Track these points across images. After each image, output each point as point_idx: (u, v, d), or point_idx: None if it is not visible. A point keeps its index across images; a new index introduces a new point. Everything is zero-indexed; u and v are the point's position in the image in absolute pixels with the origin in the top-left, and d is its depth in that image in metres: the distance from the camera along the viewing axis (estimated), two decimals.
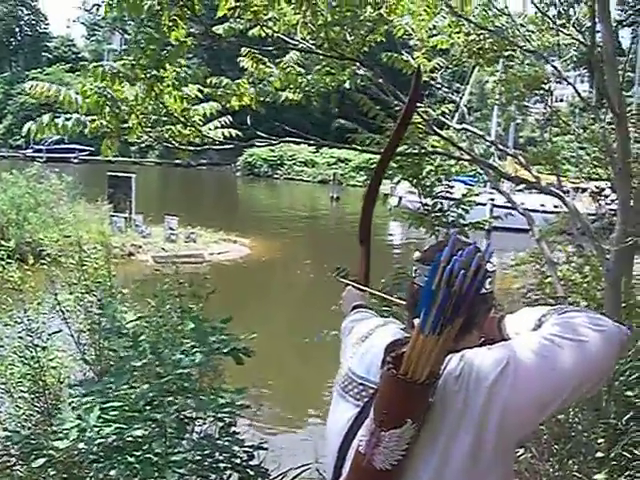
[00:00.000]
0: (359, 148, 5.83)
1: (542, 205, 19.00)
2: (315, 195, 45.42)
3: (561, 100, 21.11)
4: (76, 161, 52.30)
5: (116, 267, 13.80)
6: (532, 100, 7.92)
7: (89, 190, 21.48)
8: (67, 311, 5.78)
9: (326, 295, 5.66)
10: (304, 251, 21.65)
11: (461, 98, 7.27)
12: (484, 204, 19.87)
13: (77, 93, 4.92)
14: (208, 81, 5.35)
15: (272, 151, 52.31)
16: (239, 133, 5.38)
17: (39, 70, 65.59)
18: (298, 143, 6.36)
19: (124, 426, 3.21)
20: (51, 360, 5.35)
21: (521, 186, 13.83)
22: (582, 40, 5.36)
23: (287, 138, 6.16)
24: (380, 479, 1.54)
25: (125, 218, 20.70)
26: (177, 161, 45.76)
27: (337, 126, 6.00)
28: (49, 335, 5.27)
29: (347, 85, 5.42)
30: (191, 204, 30.83)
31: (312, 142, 5.73)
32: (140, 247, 19.70)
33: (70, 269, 6.08)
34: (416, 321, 1.60)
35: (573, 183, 8.00)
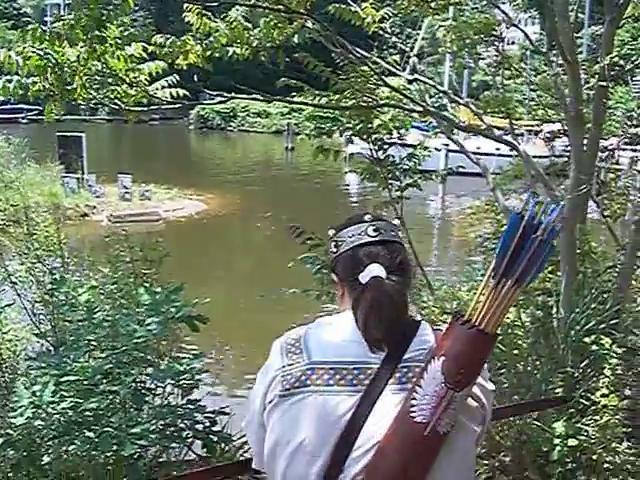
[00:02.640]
0: (309, 103, 5.74)
1: (497, 149, 19.07)
2: (270, 146, 45.11)
3: (512, 43, 21.05)
4: (24, 121, 50.90)
5: (70, 229, 13.61)
6: (483, 45, 7.88)
7: (39, 151, 21.03)
8: (20, 282, 5.66)
9: (283, 249, 5.64)
10: (260, 204, 21.49)
11: (413, 46, 7.16)
12: (439, 150, 19.89)
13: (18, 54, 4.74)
14: (153, 40, 5.18)
15: (224, 103, 51.69)
16: (187, 93, 5.24)
17: None
18: (248, 99, 6.23)
19: (80, 400, 3.15)
20: (5, 333, 5.24)
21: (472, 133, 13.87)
22: None
23: (238, 95, 6.04)
24: (438, 443, 1.53)
25: (77, 179, 20.31)
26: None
27: (281, 74, 5.88)
28: (1, 308, 5.14)
29: (295, 39, 5.30)
30: (144, 161, 30.37)
31: (262, 97, 5.60)
32: (94, 207, 19.43)
33: (19, 238, 5.93)
34: (363, 273, 1.65)
35: (527, 127, 8.02)
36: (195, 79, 5.30)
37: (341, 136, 6.07)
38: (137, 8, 57.99)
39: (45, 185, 18.45)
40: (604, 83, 4.78)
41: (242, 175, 29.44)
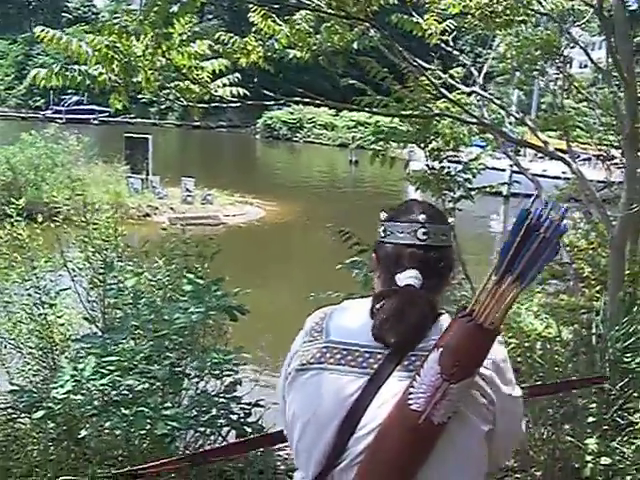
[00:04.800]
0: (375, 111, 5.79)
1: (563, 172, 18.79)
2: (334, 158, 45.21)
3: (585, 66, 20.73)
4: (95, 122, 52.22)
5: (132, 228, 13.89)
6: (548, 64, 7.84)
7: (107, 151, 21.55)
8: (77, 269, 5.84)
9: (340, 258, 5.71)
10: (321, 215, 21.59)
11: (482, 65, 7.17)
12: (503, 170, 19.70)
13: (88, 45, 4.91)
14: (217, 37, 5.32)
15: (292, 114, 52.11)
16: (247, 93, 5.35)
17: (59, 30, 65.19)
18: (317, 105, 6.32)
19: (119, 378, 3.27)
20: (59, 317, 5.42)
21: (540, 154, 13.74)
22: (593, 4, 5.26)
23: (305, 100, 6.12)
24: (434, 433, 1.54)
25: (142, 179, 20.75)
26: (196, 123, 45.71)
27: (348, 87, 5.96)
28: (57, 292, 5.32)
29: (355, 46, 5.38)
30: (209, 166, 30.84)
31: (330, 104, 5.70)
32: (157, 208, 19.79)
33: (81, 227, 6.12)
34: (400, 275, 1.68)
35: (584, 149, 7.93)
36: (255, 80, 5.39)
37: (399, 144, 6.10)
38: (211, 17, 59.15)
39: (110, 184, 18.89)
40: None
41: (305, 185, 29.62)
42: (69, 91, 44.20)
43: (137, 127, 38.06)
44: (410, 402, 1.53)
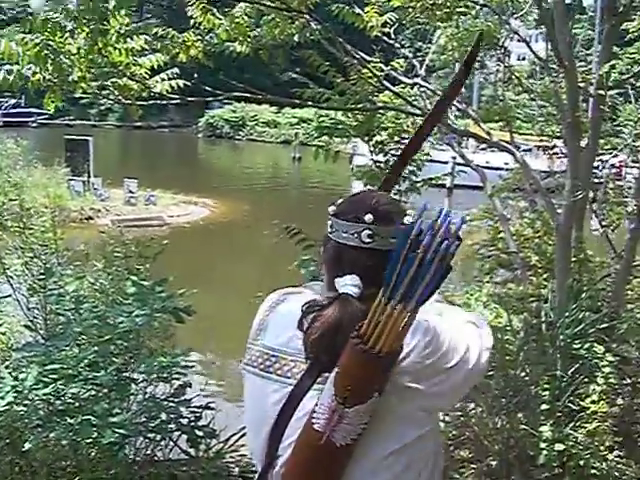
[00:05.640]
0: (318, 105, 5.72)
1: (506, 164, 19.04)
2: (277, 156, 45.13)
3: (523, 59, 21.00)
4: (34, 125, 51.03)
5: (74, 231, 13.60)
6: (488, 57, 7.89)
7: (47, 154, 21.10)
8: (16, 276, 5.67)
9: (288, 256, 5.65)
10: (266, 212, 21.48)
11: (424, 57, 7.17)
12: (446, 162, 19.88)
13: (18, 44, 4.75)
14: (154, 32, 5.20)
15: (234, 112, 51.78)
16: (187, 86, 5.24)
17: None
18: (259, 102, 6.25)
19: (63, 387, 3.15)
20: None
21: (483, 145, 13.88)
22: None
23: (247, 97, 6.03)
24: (339, 454, 1.46)
25: (83, 182, 20.34)
26: (137, 124, 45.06)
27: (289, 83, 5.90)
28: None
29: (296, 39, 5.31)
30: (151, 166, 30.46)
31: (271, 99, 5.62)
32: (99, 211, 19.43)
33: (17, 233, 5.94)
34: (338, 280, 1.55)
35: (526, 140, 8.01)
36: (195, 77, 5.28)
37: (342, 139, 6.06)
38: (150, 16, 58.41)
39: (51, 187, 18.49)
40: (601, 91, 4.78)
41: (249, 183, 29.45)
42: (6, 94, 43.25)
43: (77, 129, 37.36)
44: (314, 421, 1.46)
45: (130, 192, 20.51)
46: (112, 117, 56.42)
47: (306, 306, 1.55)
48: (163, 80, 5.02)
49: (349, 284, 1.53)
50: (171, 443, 4.07)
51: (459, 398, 1.81)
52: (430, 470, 1.56)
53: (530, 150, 18.89)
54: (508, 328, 4.45)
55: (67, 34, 4.74)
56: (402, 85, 6.01)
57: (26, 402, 3.30)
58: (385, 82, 5.65)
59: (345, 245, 1.57)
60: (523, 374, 4.22)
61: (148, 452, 4.03)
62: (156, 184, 21.70)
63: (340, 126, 6.10)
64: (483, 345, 1.64)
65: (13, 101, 52.80)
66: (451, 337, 1.57)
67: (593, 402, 4.01)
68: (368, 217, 1.55)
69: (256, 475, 1.59)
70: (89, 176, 20.80)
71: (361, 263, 1.55)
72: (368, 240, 1.55)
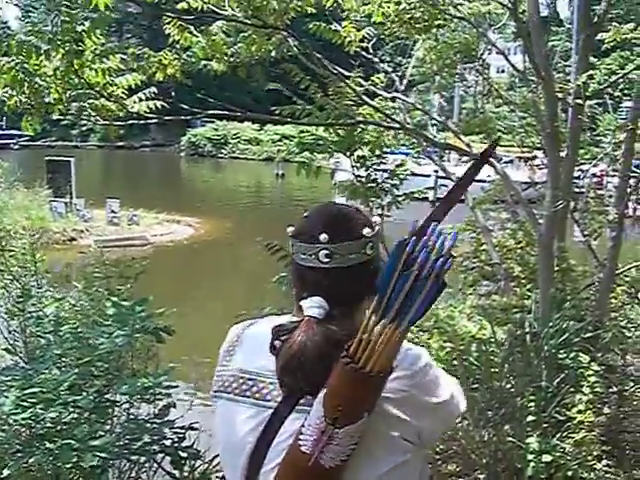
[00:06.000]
0: (299, 121, 5.71)
1: (489, 176, 19.16)
2: (260, 173, 45.14)
3: (502, 71, 21.14)
4: (15, 147, 50.87)
5: (57, 253, 13.51)
6: (467, 70, 7.93)
7: (29, 176, 21.04)
8: None
9: (271, 273, 5.63)
10: (250, 230, 21.45)
11: (404, 72, 7.20)
12: (428, 175, 19.95)
13: None
14: (130, 52, 5.18)
15: (216, 130, 51.88)
16: (165, 107, 5.22)
17: None
18: (240, 120, 6.24)
19: (42, 411, 3.09)
20: None
21: (465, 158, 13.96)
22: (509, 6, 5.32)
23: (227, 114, 6.02)
24: (328, 477, 1.42)
25: (65, 203, 20.23)
26: (119, 144, 45.07)
27: (269, 100, 5.89)
28: None
29: (273, 54, 5.31)
30: (134, 186, 30.39)
31: (252, 116, 5.60)
32: (82, 232, 19.31)
33: None
34: (303, 303, 1.52)
35: (506, 152, 8.06)
36: (174, 95, 5.26)
37: (324, 155, 6.05)
38: (130, 36, 58.41)
39: (33, 209, 18.42)
40: (580, 100, 4.80)
41: (232, 201, 29.46)
42: None
43: (59, 150, 37.29)
44: (300, 443, 1.43)
45: (113, 212, 20.42)
46: (94, 137, 56.30)
47: (276, 329, 1.52)
48: (141, 100, 4.98)
49: (314, 306, 1.50)
50: (155, 465, 4.01)
51: (438, 437, 1.81)
52: None
53: (512, 162, 19.01)
54: (492, 340, 4.43)
55: (42, 56, 4.71)
56: (381, 98, 6.01)
57: (5, 427, 3.25)
58: (364, 97, 5.66)
59: (305, 267, 1.54)
60: (508, 386, 4.20)
61: (132, 475, 3.96)
62: (139, 204, 21.64)
63: (321, 142, 6.09)
64: (461, 400, 1.67)
65: None
66: (439, 374, 1.59)
67: (579, 412, 4.00)
68: (323, 237, 1.51)
69: None
70: (71, 197, 20.72)
71: (324, 284, 1.51)
72: (326, 260, 1.51)
